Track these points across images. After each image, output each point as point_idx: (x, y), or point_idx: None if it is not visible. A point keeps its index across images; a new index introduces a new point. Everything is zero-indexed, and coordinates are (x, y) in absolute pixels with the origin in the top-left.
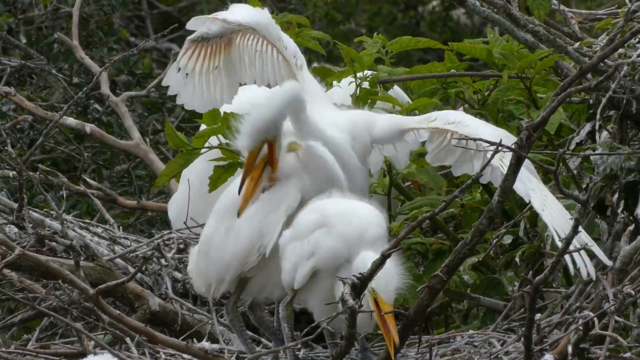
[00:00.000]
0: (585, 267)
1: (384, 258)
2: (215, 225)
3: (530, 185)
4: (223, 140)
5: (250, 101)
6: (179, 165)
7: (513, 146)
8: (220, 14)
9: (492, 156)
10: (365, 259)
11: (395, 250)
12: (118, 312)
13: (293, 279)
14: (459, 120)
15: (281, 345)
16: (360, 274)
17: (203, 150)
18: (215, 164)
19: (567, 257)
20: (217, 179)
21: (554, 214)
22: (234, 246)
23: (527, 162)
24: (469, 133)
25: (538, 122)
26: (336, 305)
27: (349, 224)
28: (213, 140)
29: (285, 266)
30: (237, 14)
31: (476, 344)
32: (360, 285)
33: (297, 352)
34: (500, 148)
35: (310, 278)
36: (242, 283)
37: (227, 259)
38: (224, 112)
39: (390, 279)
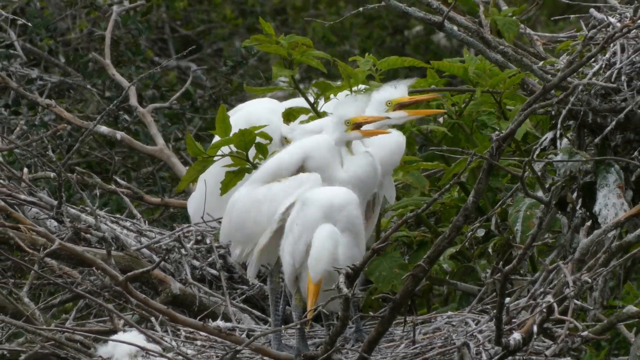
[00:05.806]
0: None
1: (373, 252)
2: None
3: None
4: (234, 150)
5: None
6: (197, 171)
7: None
8: None
9: (469, 162)
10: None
11: (384, 245)
12: (144, 296)
13: (299, 261)
14: None
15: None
16: (353, 264)
17: (217, 157)
18: (227, 170)
19: None
20: (228, 183)
21: None
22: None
23: None
24: None
25: (506, 134)
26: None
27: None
28: (225, 149)
29: (285, 260)
30: None
31: (454, 323)
32: (353, 274)
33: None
34: (474, 156)
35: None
36: None
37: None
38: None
39: (320, 260)
